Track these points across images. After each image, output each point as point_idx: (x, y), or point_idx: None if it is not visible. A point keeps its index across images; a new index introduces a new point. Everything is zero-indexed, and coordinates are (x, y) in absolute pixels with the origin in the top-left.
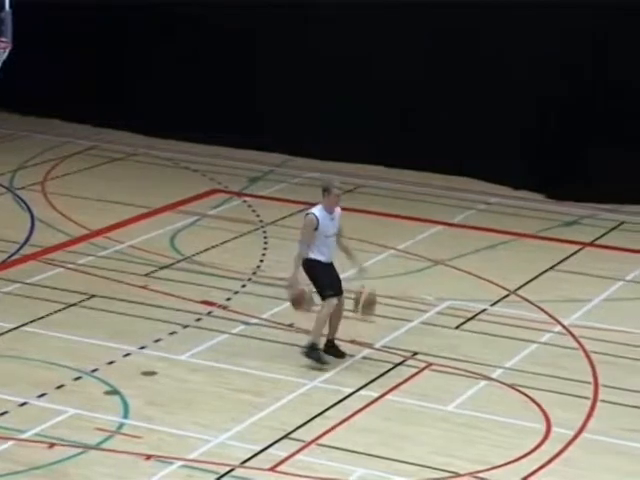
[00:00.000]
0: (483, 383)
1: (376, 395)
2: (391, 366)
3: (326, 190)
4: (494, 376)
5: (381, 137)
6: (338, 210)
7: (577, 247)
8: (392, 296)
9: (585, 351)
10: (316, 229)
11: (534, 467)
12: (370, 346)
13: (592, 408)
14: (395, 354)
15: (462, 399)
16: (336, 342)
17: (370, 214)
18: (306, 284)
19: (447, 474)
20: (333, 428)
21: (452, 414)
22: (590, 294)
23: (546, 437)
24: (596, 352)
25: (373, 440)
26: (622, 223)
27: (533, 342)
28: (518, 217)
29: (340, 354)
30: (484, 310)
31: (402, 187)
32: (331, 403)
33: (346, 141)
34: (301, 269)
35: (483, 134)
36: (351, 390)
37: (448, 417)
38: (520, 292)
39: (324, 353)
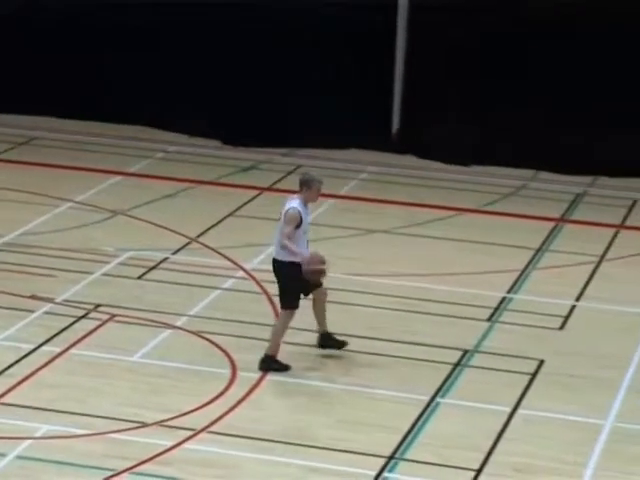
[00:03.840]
0: (168, 332)
1: (59, 350)
2: (74, 320)
3: (306, 184)
4: (179, 324)
5: (56, 88)
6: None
7: (255, 192)
8: (71, 249)
9: (267, 294)
10: (299, 226)
11: (221, 411)
12: (51, 301)
13: None
14: (77, 307)
15: (147, 349)
16: (330, 332)
17: (45, 167)
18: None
19: (135, 425)
20: (16, 386)
21: (138, 364)
22: (270, 238)
23: (232, 381)
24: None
25: (58, 395)
26: (298, 167)
27: (216, 288)
28: (196, 164)
29: (340, 344)
30: (166, 259)
31: (77, 138)
32: (12, 361)
33: (18, 93)
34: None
35: (158, 82)
36: (33, 346)
37: (134, 368)
38: (201, 239)
39: (322, 348)
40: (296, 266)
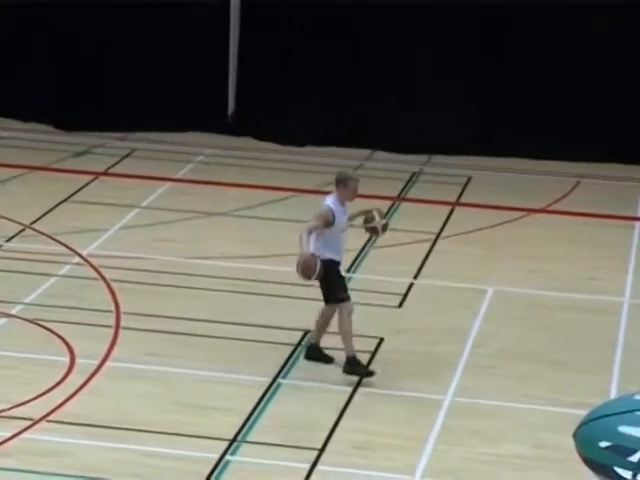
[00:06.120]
0: (3, 320)
1: None
2: None
3: (342, 182)
4: (14, 312)
5: None
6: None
7: (90, 177)
8: None
9: (105, 280)
10: (332, 224)
11: (60, 400)
12: None
13: (115, 336)
14: None
15: None
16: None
17: None
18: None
19: None
20: None
21: None
22: (107, 223)
23: (71, 369)
24: (116, 280)
25: None
26: (134, 150)
27: (52, 275)
28: (29, 150)
29: (328, 360)
30: None
31: None
32: None
33: None
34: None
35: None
36: None
37: None
38: (35, 226)
39: (308, 359)
40: (332, 262)
